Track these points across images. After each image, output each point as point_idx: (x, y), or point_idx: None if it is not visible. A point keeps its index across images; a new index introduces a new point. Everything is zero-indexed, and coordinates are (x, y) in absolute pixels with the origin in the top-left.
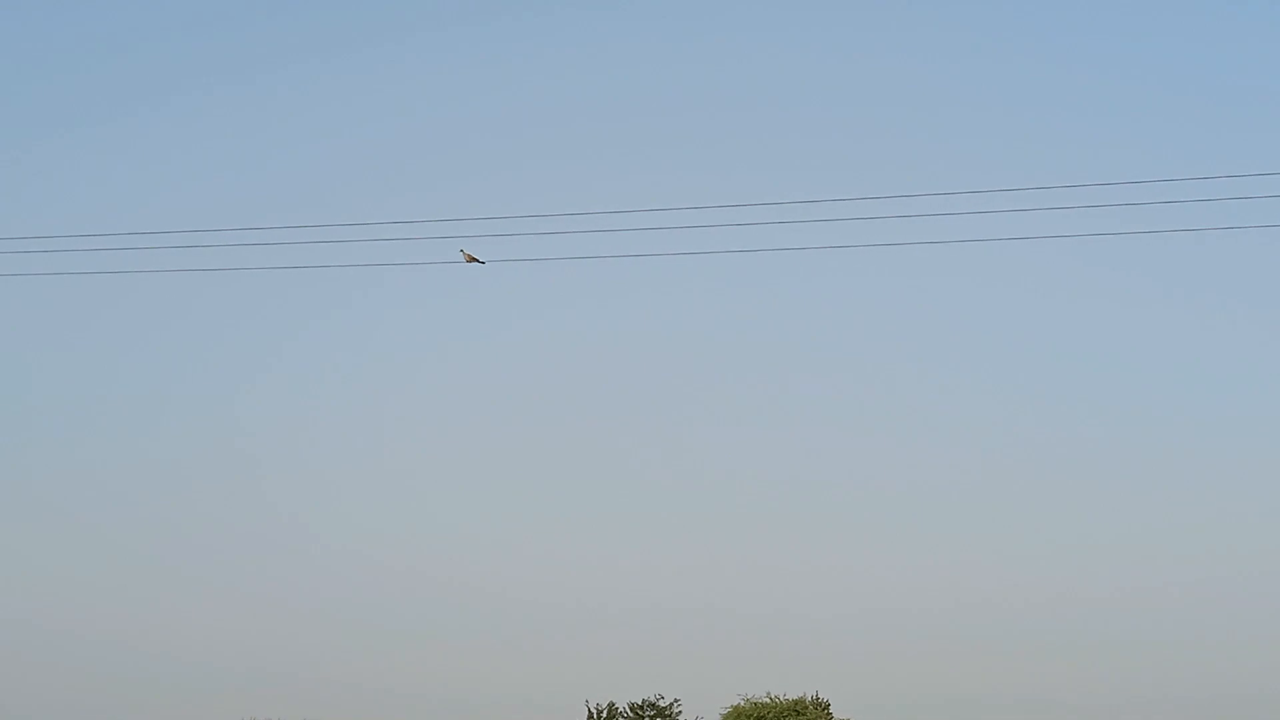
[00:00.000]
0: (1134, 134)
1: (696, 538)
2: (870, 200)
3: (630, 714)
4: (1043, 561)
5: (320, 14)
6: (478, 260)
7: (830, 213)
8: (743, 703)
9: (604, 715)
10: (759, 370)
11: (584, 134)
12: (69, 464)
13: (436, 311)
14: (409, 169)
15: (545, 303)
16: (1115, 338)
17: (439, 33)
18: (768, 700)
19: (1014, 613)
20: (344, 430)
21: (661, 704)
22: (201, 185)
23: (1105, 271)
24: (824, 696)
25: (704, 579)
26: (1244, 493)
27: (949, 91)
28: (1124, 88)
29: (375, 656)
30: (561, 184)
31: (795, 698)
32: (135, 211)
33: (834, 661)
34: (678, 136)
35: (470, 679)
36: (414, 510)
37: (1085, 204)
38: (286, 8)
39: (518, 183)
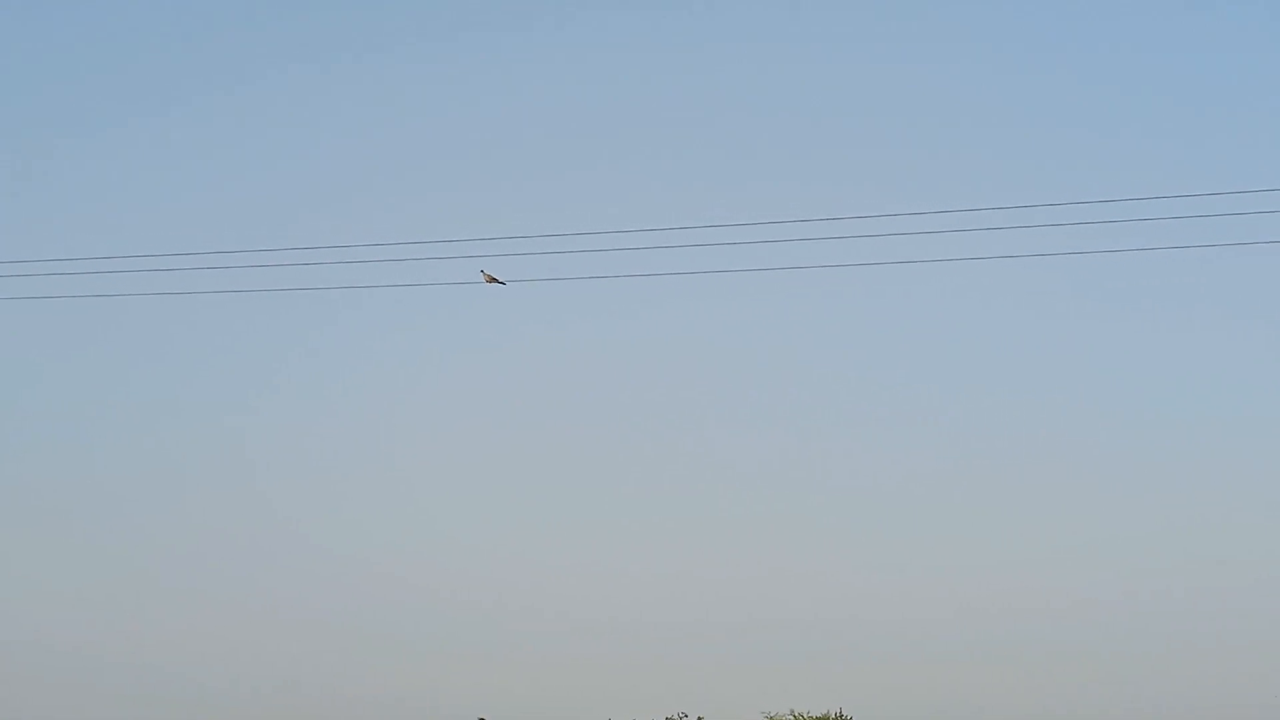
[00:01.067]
0: (1143, 147)
1: (717, 549)
2: (888, 218)
3: None
4: (1073, 571)
5: (330, 21)
6: (498, 281)
7: (838, 230)
8: None
9: None
10: (781, 381)
11: (597, 146)
12: (71, 477)
13: (442, 323)
14: (416, 183)
15: (552, 313)
16: (1120, 343)
17: (447, 43)
18: (790, 717)
19: (1049, 623)
20: (351, 442)
21: None
22: (204, 199)
23: (1103, 284)
24: (848, 714)
25: (723, 592)
26: (1254, 496)
27: (971, 104)
28: (1136, 101)
29: (388, 671)
30: (575, 198)
31: (820, 714)
32: (134, 225)
33: (859, 676)
34: (691, 147)
35: (484, 694)
36: (426, 523)
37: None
38: (293, 13)
39: (530, 197)
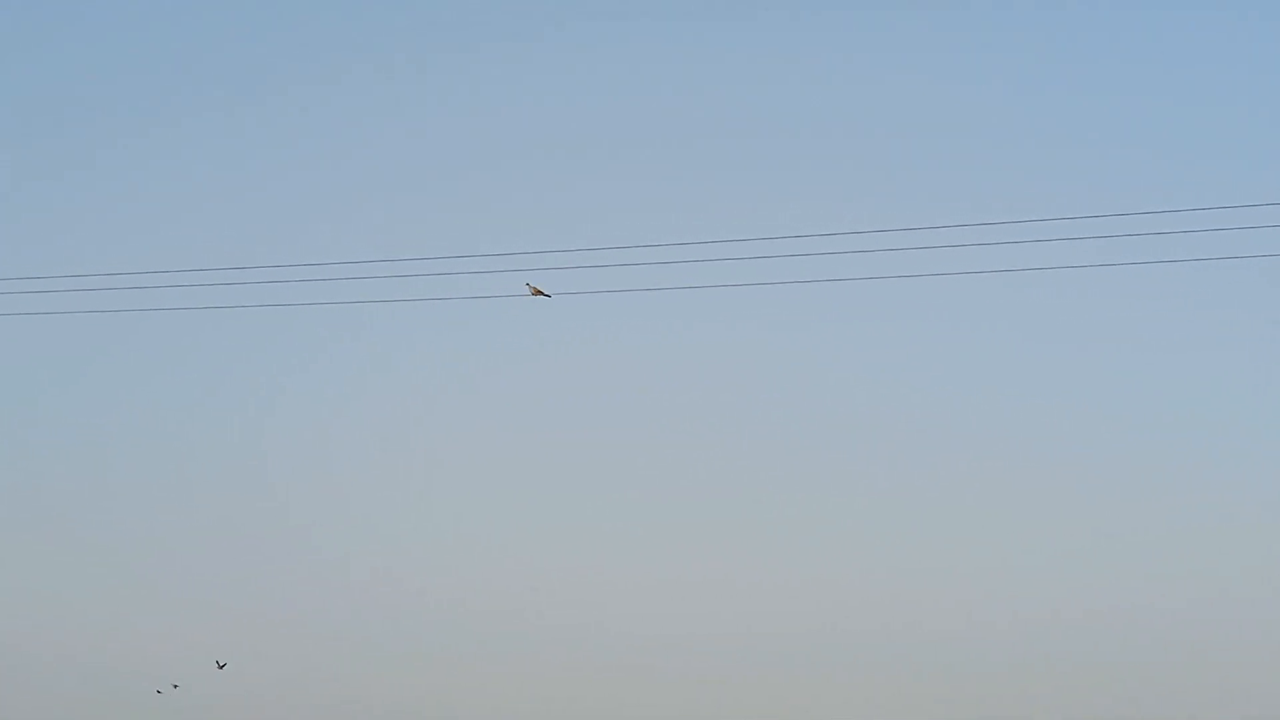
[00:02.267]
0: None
1: (739, 561)
2: (914, 231)
3: None
4: (1104, 582)
5: (360, 31)
6: (543, 294)
7: (847, 244)
8: None
9: None
10: (803, 392)
11: (626, 157)
12: (86, 488)
13: (463, 335)
14: (436, 198)
15: (572, 325)
16: (1134, 353)
17: (471, 53)
18: None
19: (1069, 635)
20: (370, 453)
21: None
22: (218, 211)
23: (1121, 294)
24: None
25: (745, 604)
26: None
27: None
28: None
29: (410, 684)
30: (605, 210)
31: None
32: (155, 238)
33: (880, 689)
34: (718, 160)
35: (501, 706)
36: (448, 535)
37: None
38: (322, 22)
39: (562, 210)
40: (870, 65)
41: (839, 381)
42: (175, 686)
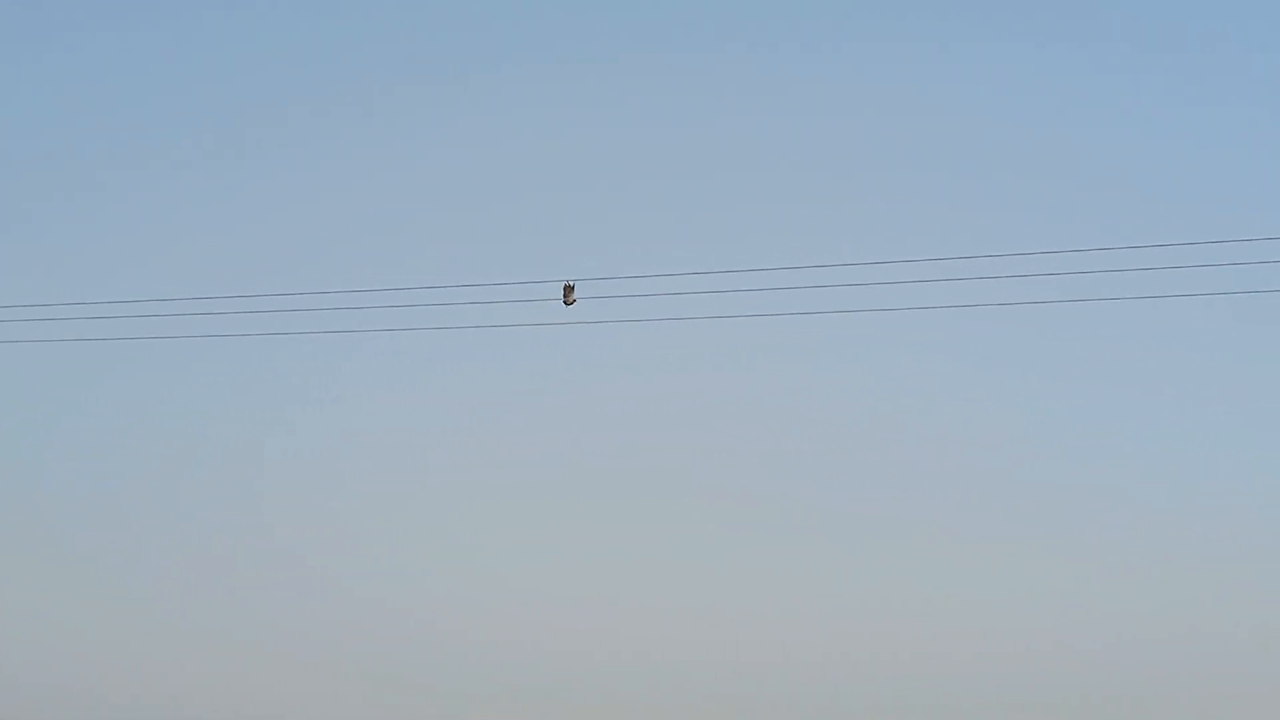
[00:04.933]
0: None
1: (759, 590)
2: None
3: None
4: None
5: (382, 54)
6: (572, 298)
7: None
8: None
9: None
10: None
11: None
12: (87, 518)
13: (476, 353)
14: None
15: (588, 347)
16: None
17: (492, 75)
18: None
19: (1095, 662)
20: (378, 478)
21: None
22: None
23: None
24: None
25: (775, 631)
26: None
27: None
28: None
29: (406, 707)
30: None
31: None
32: (162, 263)
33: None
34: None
35: None
36: (463, 565)
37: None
38: (347, 44)
39: (573, 235)
40: (882, 96)
41: (851, 402)
42: None
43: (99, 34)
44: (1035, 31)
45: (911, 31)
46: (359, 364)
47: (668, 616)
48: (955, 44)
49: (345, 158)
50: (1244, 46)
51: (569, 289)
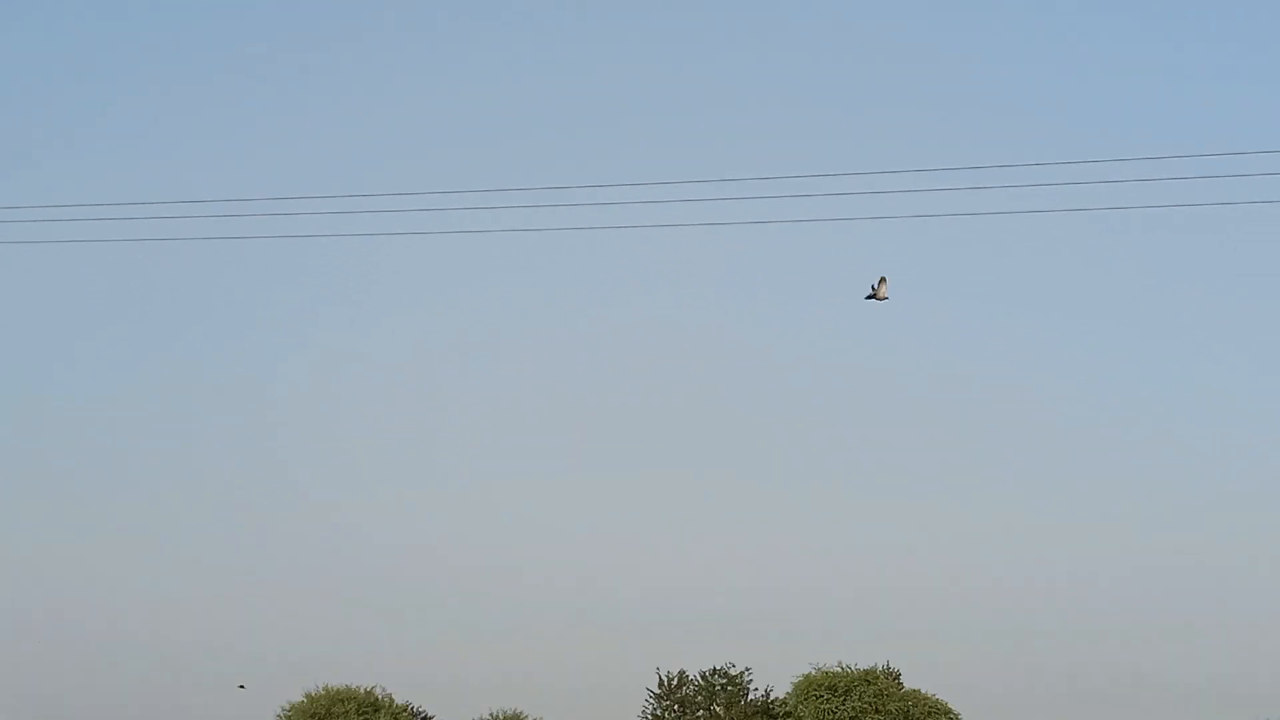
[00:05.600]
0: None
1: (764, 519)
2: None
3: (701, 682)
4: (1105, 544)
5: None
6: (880, 295)
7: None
8: (814, 672)
9: (674, 683)
10: (831, 359)
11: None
12: (93, 448)
13: (479, 286)
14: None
15: (588, 279)
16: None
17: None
18: (839, 670)
19: (1089, 591)
20: (381, 409)
21: (733, 672)
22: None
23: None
24: (895, 667)
25: (773, 557)
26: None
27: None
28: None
29: (439, 642)
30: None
31: (866, 668)
32: (170, 178)
33: (905, 634)
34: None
35: (541, 656)
36: (469, 495)
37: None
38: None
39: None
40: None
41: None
42: (241, 687)
43: None
44: None
45: None
46: (361, 303)
47: (692, 549)
48: None
49: (363, 80)
50: None
51: (882, 282)
